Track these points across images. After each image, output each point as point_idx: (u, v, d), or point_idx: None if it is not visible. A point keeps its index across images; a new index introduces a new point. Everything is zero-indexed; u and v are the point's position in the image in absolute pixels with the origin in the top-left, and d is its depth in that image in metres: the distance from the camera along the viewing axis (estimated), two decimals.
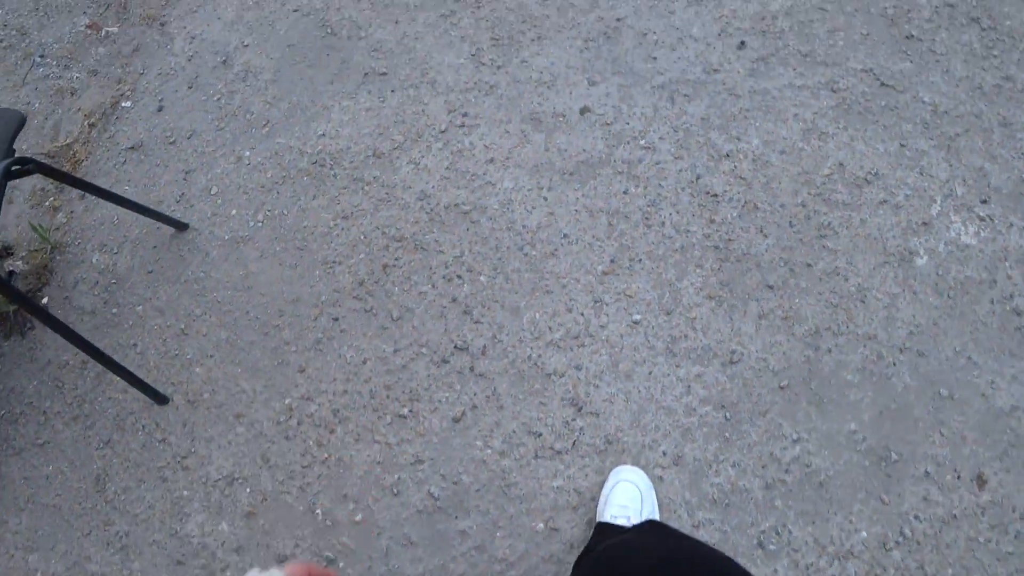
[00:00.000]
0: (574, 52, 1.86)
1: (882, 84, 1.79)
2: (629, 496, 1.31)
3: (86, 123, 2.11)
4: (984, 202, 1.66)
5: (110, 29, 2.28)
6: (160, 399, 1.71)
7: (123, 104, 2.10)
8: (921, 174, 1.69)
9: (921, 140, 1.72)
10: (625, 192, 1.68)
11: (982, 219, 1.65)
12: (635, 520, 1.25)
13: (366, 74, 1.92)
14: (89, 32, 2.30)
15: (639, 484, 1.34)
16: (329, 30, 2.02)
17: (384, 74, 1.91)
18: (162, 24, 2.22)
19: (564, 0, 1.94)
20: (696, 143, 1.72)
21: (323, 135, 1.86)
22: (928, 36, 1.84)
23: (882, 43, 1.84)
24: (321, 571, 0.58)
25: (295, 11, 2.09)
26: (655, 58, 1.83)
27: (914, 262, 1.62)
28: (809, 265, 1.62)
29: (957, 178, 1.68)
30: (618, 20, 1.89)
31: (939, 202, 1.66)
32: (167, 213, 1.84)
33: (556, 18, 1.91)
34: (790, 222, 1.65)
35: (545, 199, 1.70)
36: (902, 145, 1.72)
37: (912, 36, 1.85)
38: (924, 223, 1.64)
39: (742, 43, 1.84)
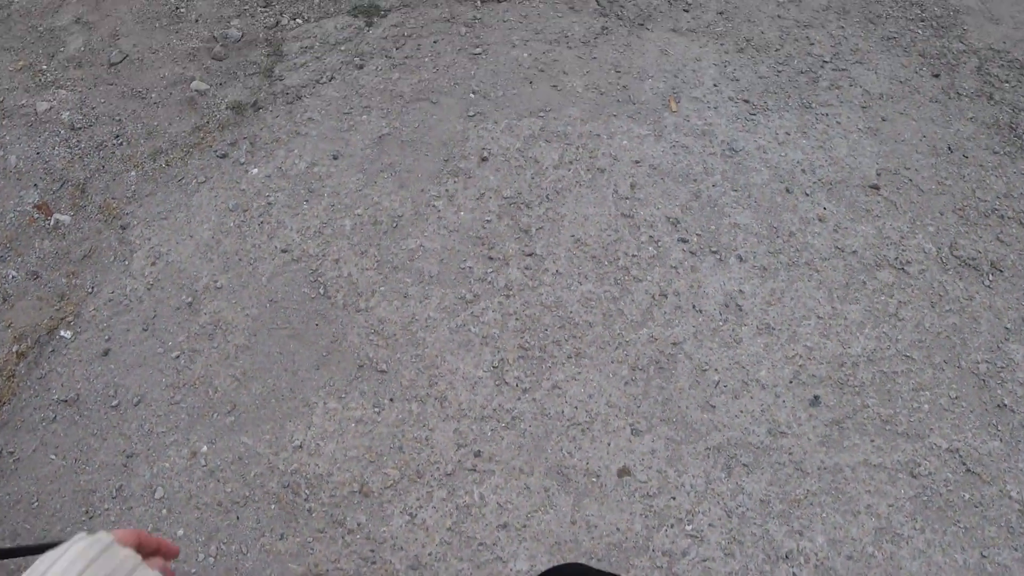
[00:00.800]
0: (618, 383, 1.54)
1: (968, 470, 1.51)
2: None
3: (14, 349, 1.73)
4: None
5: (61, 217, 1.89)
6: None
7: (62, 333, 1.73)
8: None
9: (1004, 551, 1.45)
10: None
11: None
12: None
13: (361, 366, 1.58)
14: (36, 216, 1.90)
15: None
16: (322, 289, 1.67)
17: (383, 372, 1.57)
18: (123, 227, 1.84)
19: (612, 305, 1.61)
20: (751, 536, 1.42)
21: (300, 447, 1.52)
22: (1021, 408, 1.57)
23: (971, 411, 1.56)
24: (154, 540, 0.59)
25: (283, 251, 1.73)
26: (713, 407, 1.52)
27: None
28: None
29: None
30: (674, 345, 1.57)
31: None
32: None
33: (600, 329, 1.59)
34: None
35: None
36: (983, 556, 1.45)
37: (1004, 405, 1.57)
38: None
39: (816, 398, 1.54)
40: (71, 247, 1.85)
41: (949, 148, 1.91)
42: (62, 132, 2.04)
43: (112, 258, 1.81)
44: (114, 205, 1.89)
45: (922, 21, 2.18)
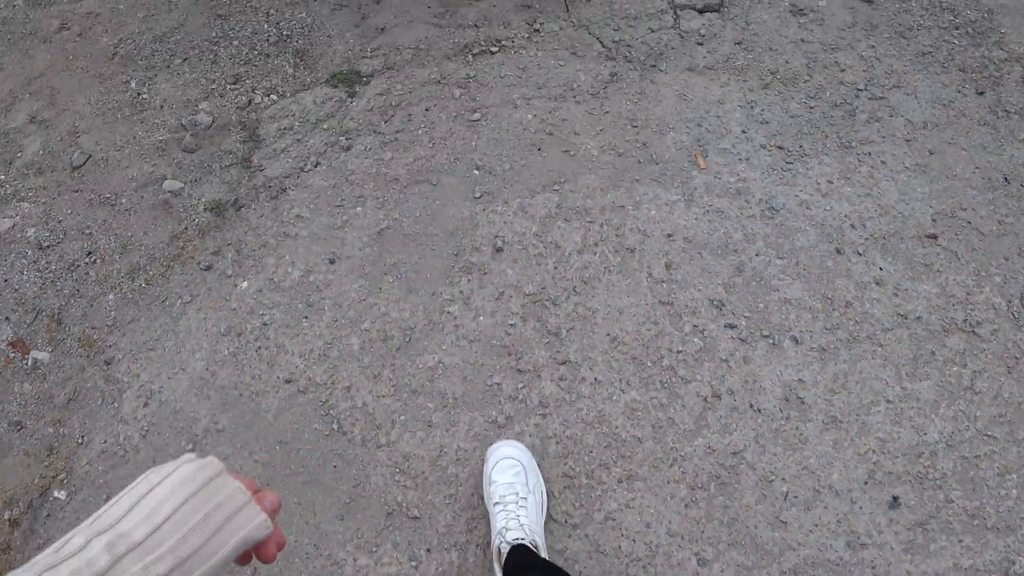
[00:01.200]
0: (677, 506, 1.38)
1: None
2: (513, 472, 1.31)
3: (6, 516, 1.57)
4: None
5: (39, 355, 1.71)
6: None
7: (56, 494, 1.56)
8: None
9: None
10: None
11: None
12: (523, 495, 1.28)
13: (390, 513, 1.42)
14: (13, 355, 1.73)
15: (520, 458, 1.33)
16: (335, 424, 1.50)
17: (416, 518, 1.41)
18: (107, 363, 1.66)
19: (661, 414, 1.45)
20: None
21: None
22: None
23: None
24: (254, 485, 0.51)
25: (287, 382, 1.56)
26: (784, 523, 1.36)
27: None
28: None
29: None
30: (734, 455, 1.41)
31: None
32: None
33: (651, 444, 1.43)
34: None
35: None
36: None
37: None
38: None
39: (895, 499, 1.39)
40: (53, 389, 1.67)
41: (1006, 179, 1.72)
42: (30, 253, 1.85)
43: (100, 400, 1.63)
44: (95, 337, 1.71)
45: (956, 29, 1.98)
